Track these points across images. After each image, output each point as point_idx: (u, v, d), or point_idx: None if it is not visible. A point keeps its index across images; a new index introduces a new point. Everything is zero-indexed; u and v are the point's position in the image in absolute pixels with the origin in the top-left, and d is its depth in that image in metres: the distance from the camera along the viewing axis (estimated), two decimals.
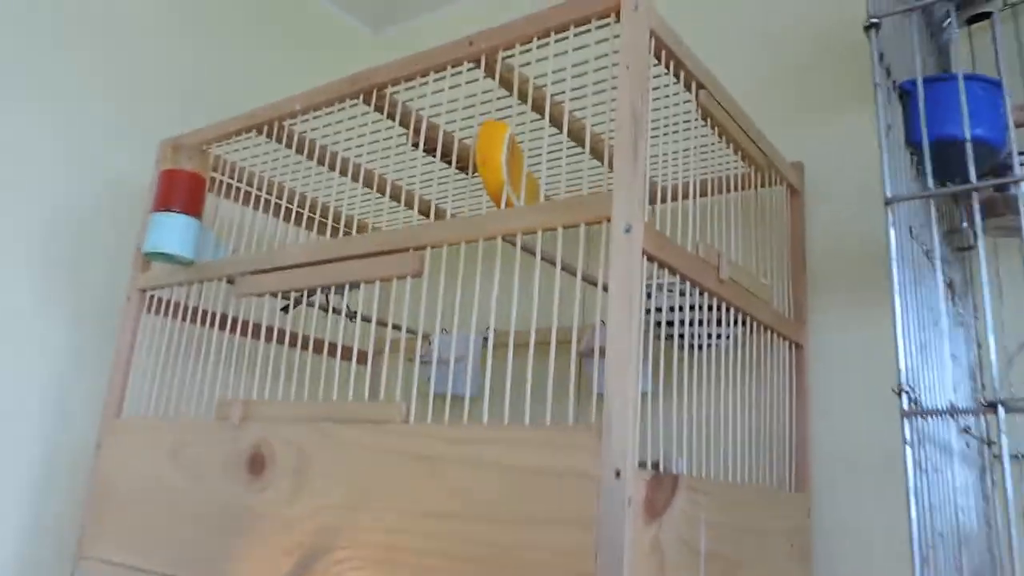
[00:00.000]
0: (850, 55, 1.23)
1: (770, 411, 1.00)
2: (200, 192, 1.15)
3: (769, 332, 0.99)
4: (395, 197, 1.27)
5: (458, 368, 1.41)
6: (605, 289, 0.92)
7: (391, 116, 1.06)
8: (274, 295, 1.06)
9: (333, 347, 1.40)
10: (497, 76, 0.92)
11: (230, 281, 1.12)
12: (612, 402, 0.70)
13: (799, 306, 1.09)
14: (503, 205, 0.85)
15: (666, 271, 1.13)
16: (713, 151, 1.05)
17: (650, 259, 0.76)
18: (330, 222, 1.11)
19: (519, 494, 0.72)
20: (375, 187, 1.19)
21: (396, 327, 1.47)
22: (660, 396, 0.82)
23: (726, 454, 0.93)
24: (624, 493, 0.67)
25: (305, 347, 1.25)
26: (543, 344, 1.34)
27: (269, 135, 1.15)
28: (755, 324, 0.96)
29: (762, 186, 1.08)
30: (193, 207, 1.14)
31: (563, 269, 1.07)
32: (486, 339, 1.49)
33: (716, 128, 0.92)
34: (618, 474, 0.69)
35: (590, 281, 1.16)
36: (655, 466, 0.91)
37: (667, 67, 0.84)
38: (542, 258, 0.89)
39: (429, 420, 0.84)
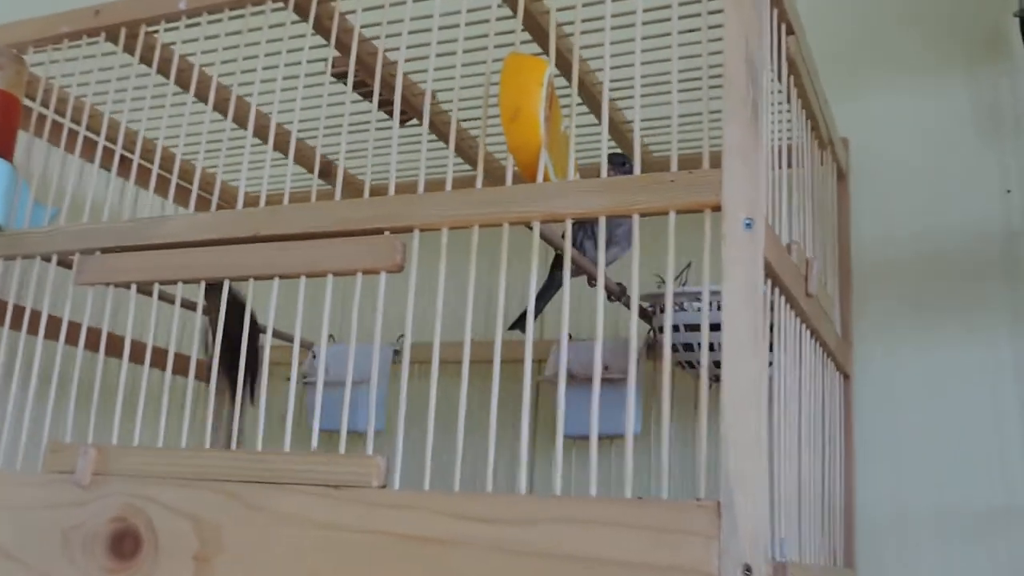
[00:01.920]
0: (901, 20, 1.19)
1: (821, 462, 0.93)
2: (13, 120, 0.89)
3: (827, 358, 0.91)
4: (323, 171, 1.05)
5: (357, 393, 1.24)
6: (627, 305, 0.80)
7: (320, 30, 0.87)
8: (145, 290, 0.83)
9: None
10: None
11: (64, 264, 0.88)
12: (738, 464, 0.58)
13: (845, 323, 1.02)
14: (541, 178, 0.70)
15: (685, 273, 1.04)
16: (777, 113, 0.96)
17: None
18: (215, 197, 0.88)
19: None
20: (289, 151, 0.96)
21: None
22: (668, 440, 0.68)
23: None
24: None
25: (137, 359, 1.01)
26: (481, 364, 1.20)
27: (127, 48, 0.91)
28: (821, 348, 0.87)
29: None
30: (3, 146, 0.89)
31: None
32: (397, 352, 1.32)
33: (797, 86, 0.83)
34: (748, 572, 0.57)
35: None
36: None
37: None
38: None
39: (427, 485, 0.68)
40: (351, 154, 1.14)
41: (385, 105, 1.05)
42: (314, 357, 1.29)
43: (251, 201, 0.82)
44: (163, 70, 0.92)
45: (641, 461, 1.18)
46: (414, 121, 1.06)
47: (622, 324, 1.21)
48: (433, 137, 1.03)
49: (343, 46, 0.88)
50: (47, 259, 0.87)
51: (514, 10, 0.78)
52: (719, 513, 0.57)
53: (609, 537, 0.59)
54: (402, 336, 1.29)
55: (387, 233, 0.73)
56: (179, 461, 0.74)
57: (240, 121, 0.89)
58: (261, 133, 0.90)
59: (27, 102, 0.95)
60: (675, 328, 0.94)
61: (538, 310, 1.04)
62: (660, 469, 0.61)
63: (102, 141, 0.90)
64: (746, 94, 0.63)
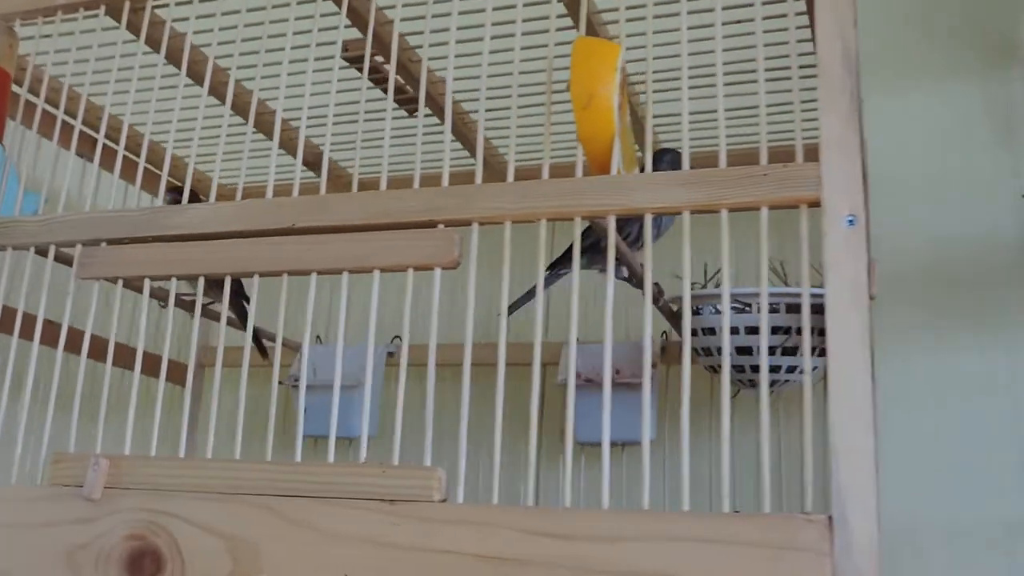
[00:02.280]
0: (912, 23, 1.18)
1: None
2: (2, 96, 0.82)
3: None
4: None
5: (349, 397, 1.18)
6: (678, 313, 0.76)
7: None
8: (159, 294, 0.76)
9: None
10: None
11: (63, 260, 0.79)
12: (849, 477, 0.54)
13: None
14: (617, 170, 0.65)
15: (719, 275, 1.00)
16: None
17: None
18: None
19: None
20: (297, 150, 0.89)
21: (267, 336, 1.20)
22: (684, 449, 0.64)
23: None
24: None
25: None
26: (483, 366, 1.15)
27: (129, 26, 0.84)
28: None
29: None
30: None
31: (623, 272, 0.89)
32: (391, 354, 1.26)
33: None
34: None
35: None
36: None
37: None
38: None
39: (496, 499, 0.63)
40: (346, 146, 1.09)
41: (401, 94, 1.00)
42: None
43: (250, 194, 0.76)
44: (173, 58, 0.85)
45: (655, 469, 1.16)
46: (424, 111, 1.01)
47: (632, 326, 1.18)
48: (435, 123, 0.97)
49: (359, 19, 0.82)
50: (42, 252, 0.79)
51: None
52: (831, 528, 0.53)
53: (704, 555, 0.55)
54: (397, 337, 1.24)
55: (441, 226, 0.67)
56: (206, 473, 0.68)
57: (242, 112, 0.83)
58: (265, 127, 0.83)
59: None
60: (710, 331, 0.91)
61: (517, 306, 0.99)
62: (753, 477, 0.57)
63: (102, 138, 0.82)
64: (843, 84, 0.60)
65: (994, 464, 1.02)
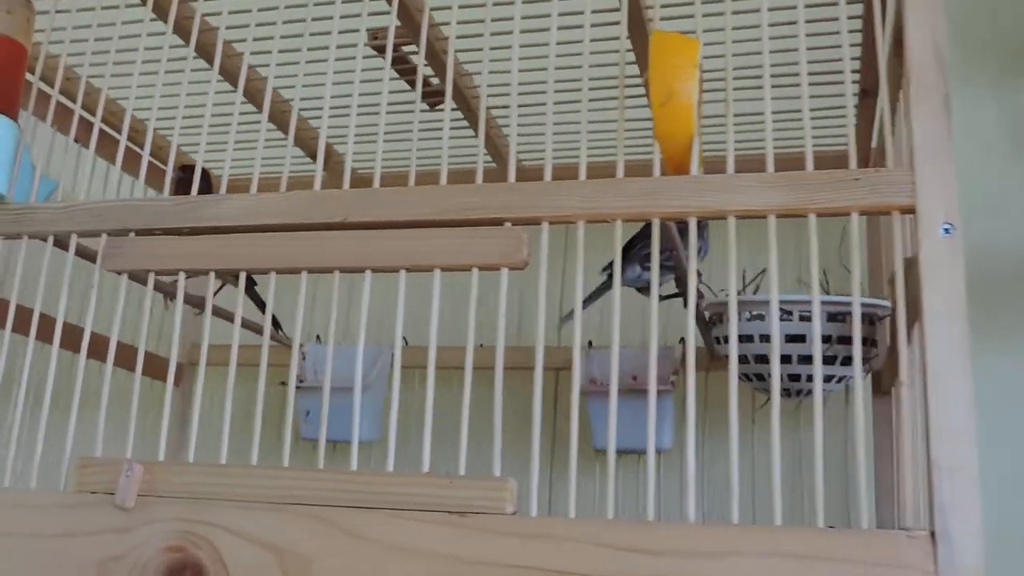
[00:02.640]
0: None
1: None
2: (19, 74, 0.76)
3: None
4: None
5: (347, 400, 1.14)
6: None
7: None
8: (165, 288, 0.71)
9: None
10: None
11: (85, 255, 0.74)
12: (951, 491, 0.53)
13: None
14: (696, 169, 0.63)
15: (760, 279, 0.99)
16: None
17: None
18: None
19: None
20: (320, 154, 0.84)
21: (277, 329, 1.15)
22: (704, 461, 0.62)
23: None
24: None
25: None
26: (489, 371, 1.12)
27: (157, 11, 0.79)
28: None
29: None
30: (7, 101, 0.75)
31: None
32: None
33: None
34: None
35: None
36: None
37: None
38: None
39: (572, 511, 0.60)
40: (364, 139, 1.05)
41: (426, 87, 0.96)
42: (303, 358, 1.18)
43: (265, 187, 0.72)
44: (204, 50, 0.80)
45: (671, 477, 1.14)
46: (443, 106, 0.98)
47: (648, 332, 1.16)
48: (461, 123, 0.94)
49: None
50: (62, 243, 0.74)
51: None
52: (934, 545, 0.52)
53: (802, 572, 0.53)
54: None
55: (508, 224, 0.64)
56: (253, 481, 0.64)
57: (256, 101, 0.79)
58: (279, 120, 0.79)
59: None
60: (747, 339, 0.89)
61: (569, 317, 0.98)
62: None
63: (124, 141, 0.77)
64: (936, 85, 0.58)
65: None
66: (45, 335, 0.74)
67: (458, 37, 0.95)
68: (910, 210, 0.57)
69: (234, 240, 0.69)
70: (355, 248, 0.66)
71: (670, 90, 0.62)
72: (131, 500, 0.65)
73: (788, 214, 0.60)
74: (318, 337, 1.25)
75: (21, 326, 0.78)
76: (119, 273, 0.71)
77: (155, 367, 1.02)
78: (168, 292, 0.89)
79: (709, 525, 0.57)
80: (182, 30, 0.85)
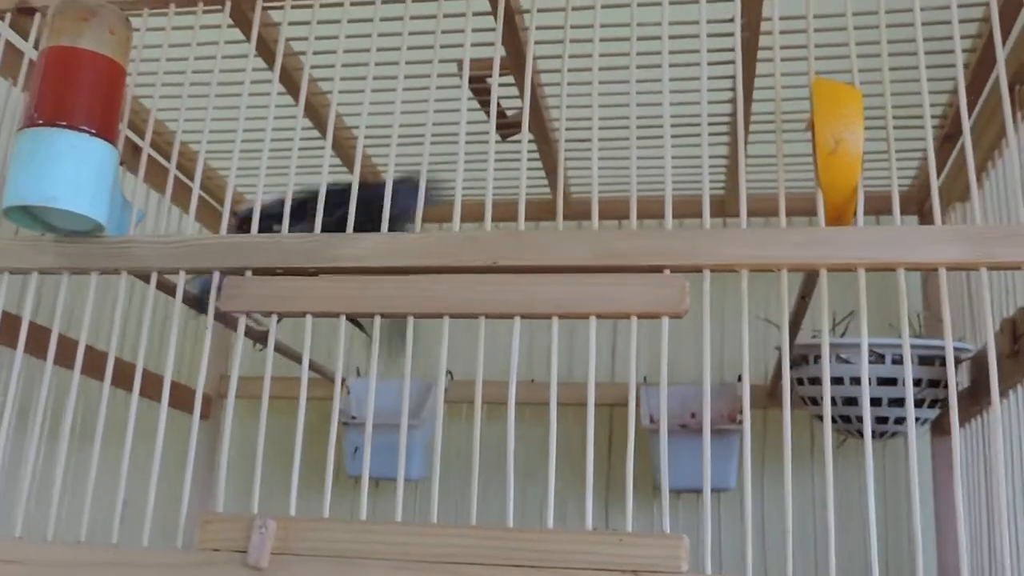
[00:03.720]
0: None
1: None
2: (119, 96, 0.72)
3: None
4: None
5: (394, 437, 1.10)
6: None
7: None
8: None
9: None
10: None
11: (195, 301, 0.69)
12: None
13: None
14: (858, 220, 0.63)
15: (847, 322, 0.99)
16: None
17: None
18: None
19: None
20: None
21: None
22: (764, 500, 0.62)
23: None
24: None
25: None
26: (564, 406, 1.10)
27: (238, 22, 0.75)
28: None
29: None
30: (107, 125, 0.70)
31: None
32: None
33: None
34: None
35: None
36: None
37: None
38: None
39: (750, 569, 0.59)
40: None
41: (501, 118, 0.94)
42: (348, 393, 1.15)
43: None
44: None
45: (733, 516, 1.14)
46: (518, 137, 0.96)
47: (717, 369, 1.16)
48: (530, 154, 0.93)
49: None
50: (166, 282, 0.70)
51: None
52: None
53: None
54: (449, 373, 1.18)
55: (667, 271, 0.63)
56: (401, 538, 0.61)
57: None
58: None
59: None
60: (837, 381, 0.89)
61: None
62: None
63: (196, 189, 0.74)
64: None
65: None
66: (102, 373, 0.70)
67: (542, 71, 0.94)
68: None
69: (374, 282, 0.66)
70: (505, 294, 0.64)
71: (838, 139, 0.62)
72: (265, 560, 0.62)
73: (959, 268, 0.60)
74: (357, 371, 1.21)
75: (93, 369, 0.74)
76: (243, 313, 0.67)
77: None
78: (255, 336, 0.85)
79: None
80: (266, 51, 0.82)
